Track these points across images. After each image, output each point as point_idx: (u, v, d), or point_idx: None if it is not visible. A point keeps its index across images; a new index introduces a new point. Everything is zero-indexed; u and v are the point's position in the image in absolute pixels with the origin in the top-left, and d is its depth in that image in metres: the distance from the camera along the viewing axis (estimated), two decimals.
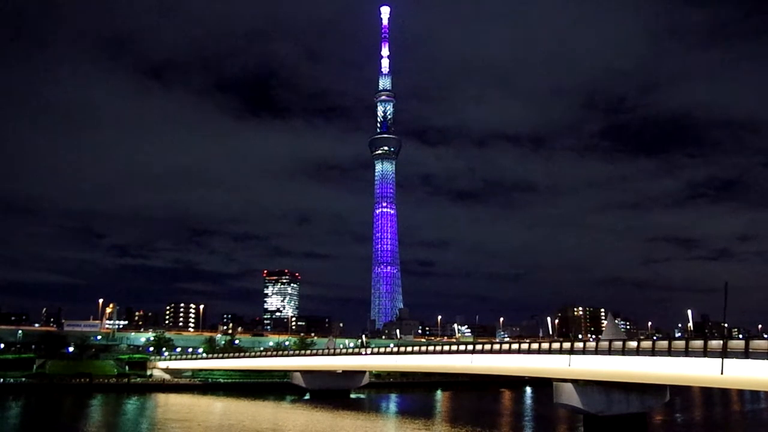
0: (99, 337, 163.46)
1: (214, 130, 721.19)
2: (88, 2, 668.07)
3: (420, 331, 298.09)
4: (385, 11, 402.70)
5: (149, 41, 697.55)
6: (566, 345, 68.66)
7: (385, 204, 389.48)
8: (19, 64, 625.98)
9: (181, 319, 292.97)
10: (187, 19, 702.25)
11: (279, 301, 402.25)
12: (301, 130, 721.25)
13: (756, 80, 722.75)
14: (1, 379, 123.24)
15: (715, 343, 52.88)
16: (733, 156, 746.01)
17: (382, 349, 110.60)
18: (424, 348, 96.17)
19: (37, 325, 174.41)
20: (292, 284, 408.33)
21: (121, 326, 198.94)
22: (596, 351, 64.31)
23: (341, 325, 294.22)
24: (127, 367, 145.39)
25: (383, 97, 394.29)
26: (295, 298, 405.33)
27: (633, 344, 61.05)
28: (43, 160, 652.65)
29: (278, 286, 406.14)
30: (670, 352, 56.06)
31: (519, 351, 76.23)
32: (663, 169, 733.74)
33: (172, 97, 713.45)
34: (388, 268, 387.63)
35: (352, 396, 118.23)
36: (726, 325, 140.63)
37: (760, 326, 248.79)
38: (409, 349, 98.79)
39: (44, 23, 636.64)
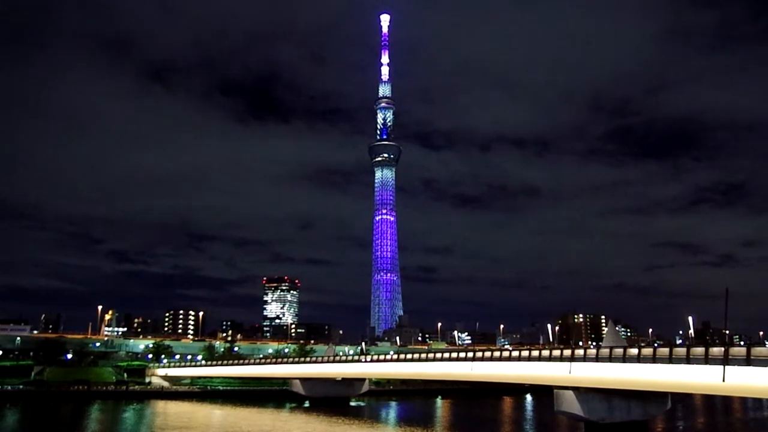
0: (98, 344, 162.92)
1: (215, 133, 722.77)
2: (89, 4, 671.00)
3: (420, 338, 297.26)
4: (384, 19, 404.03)
5: (151, 43, 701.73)
6: (567, 352, 68.46)
7: (385, 211, 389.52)
8: (19, 66, 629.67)
9: (180, 325, 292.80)
10: (190, 21, 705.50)
11: (279, 308, 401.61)
12: (304, 134, 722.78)
13: (763, 83, 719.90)
14: None
15: (717, 350, 52.69)
16: (739, 160, 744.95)
17: (381, 357, 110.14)
18: (423, 355, 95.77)
19: (35, 332, 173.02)
20: (291, 291, 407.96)
21: (119, 333, 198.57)
22: (597, 358, 64.08)
23: (341, 332, 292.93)
24: (125, 375, 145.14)
25: (383, 104, 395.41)
26: (294, 305, 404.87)
27: (634, 351, 60.78)
28: (42, 163, 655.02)
29: (278, 293, 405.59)
30: (671, 360, 55.84)
31: (519, 358, 75.91)
32: (668, 172, 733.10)
33: (174, 99, 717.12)
34: (388, 275, 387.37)
35: (352, 403, 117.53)
36: (727, 331, 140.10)
37: (761, 333, 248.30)
38: (409, 356, 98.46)
39: (44, 25, 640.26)
